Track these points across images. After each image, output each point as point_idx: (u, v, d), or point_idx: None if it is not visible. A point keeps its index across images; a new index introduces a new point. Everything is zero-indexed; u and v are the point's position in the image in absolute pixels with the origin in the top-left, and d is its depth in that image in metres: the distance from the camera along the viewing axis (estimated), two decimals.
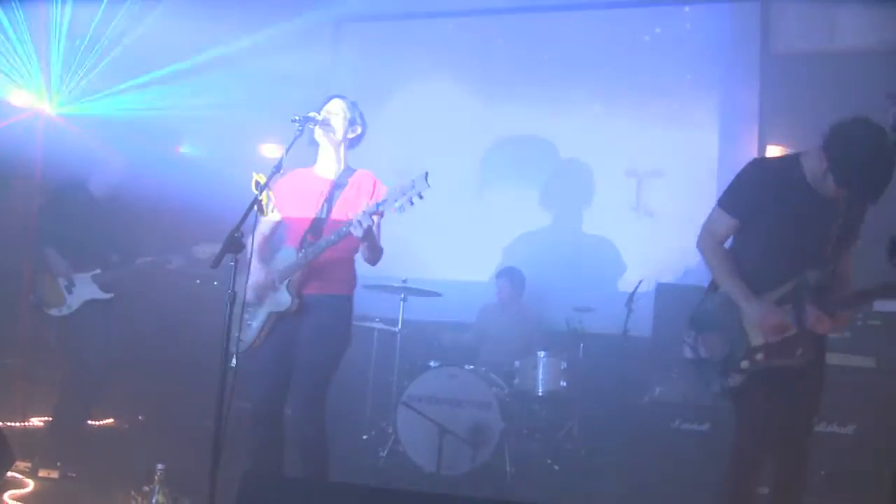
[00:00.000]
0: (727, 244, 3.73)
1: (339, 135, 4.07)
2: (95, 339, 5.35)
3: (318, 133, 4.02)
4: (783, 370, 3.45)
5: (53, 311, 5.33)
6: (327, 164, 4.12)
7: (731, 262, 3.62)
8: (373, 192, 4.04)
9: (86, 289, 5.35)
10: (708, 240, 3.69)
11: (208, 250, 5.29)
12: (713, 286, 3.72)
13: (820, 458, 4.58)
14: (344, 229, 3.76)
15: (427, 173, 3.59)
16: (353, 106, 4.14)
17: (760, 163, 3.78)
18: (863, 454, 4.78)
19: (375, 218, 3.77)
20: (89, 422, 5.87)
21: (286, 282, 3.93)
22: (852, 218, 3.54)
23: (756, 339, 3.47)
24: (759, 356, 3.46)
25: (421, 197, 3.60)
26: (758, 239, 3.60)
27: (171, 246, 5.65)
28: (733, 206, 3.64)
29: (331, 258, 3.91)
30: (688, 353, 3.66)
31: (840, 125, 3.40)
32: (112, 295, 5.38)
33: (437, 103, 7.81)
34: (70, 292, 5.33)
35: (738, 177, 3.67)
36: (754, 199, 3.58)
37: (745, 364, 3.48)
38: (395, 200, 3.62)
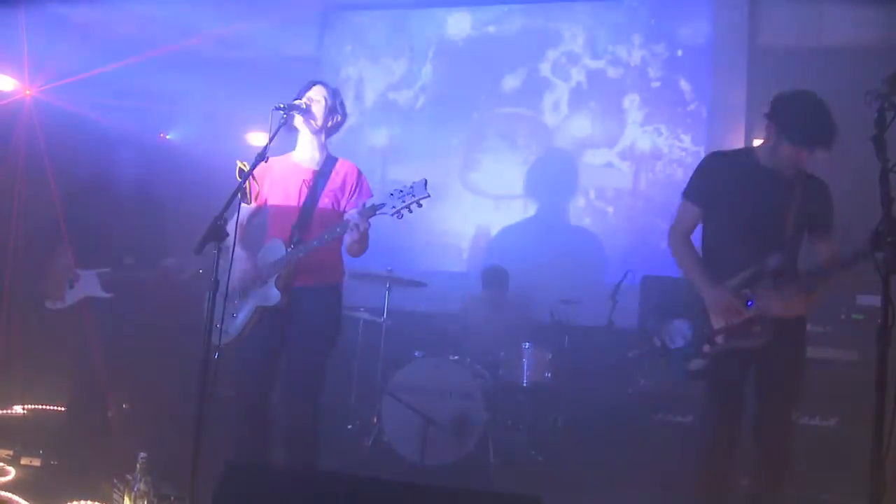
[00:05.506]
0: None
1: (320, 122, 4.01)
2: (87, 336, 5.25)
3: (299, 120, 3.96)
4: (745, 353, 3.55)
5: (48, 304, 5.30)
6: (307, 153, 4.07)
7: (692, 252, 3.77)
8: (357, 186, 4.02)
9: (87, 285, 5.28)
10: (674, 234, 3.84)
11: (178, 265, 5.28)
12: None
13: (802, 451, 4.60)
14: (339, 230, 3.73)
15: (426, 181, 3.57)
16: (334, 93, 4.08)
17: (717, 153, 3.96)
18: (845, 446, 4.82)
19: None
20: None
21: (274, 277, 3.88)
22: (811, 200, 3.61)
23: (718, 324, 3.58)
24: (719, 338, 3.56)
25: (420, 205, 3.58)
26: (720, 227, 3.74)
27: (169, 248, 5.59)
28: (694, 194, 3.81)
29: (319, 250, 3.86)
30: (655, 343, 3.79)
31: (777, 95, 3.60)
32: (112, 295, 5.28)
33: (421, 88, 7.81)
34: (72, 287, 5.28)
35: (697, 168, 3.86)
36: (712, 185, 3.74)
37: (706, 348, 3.59)
38: (394, 207, 3.59)
